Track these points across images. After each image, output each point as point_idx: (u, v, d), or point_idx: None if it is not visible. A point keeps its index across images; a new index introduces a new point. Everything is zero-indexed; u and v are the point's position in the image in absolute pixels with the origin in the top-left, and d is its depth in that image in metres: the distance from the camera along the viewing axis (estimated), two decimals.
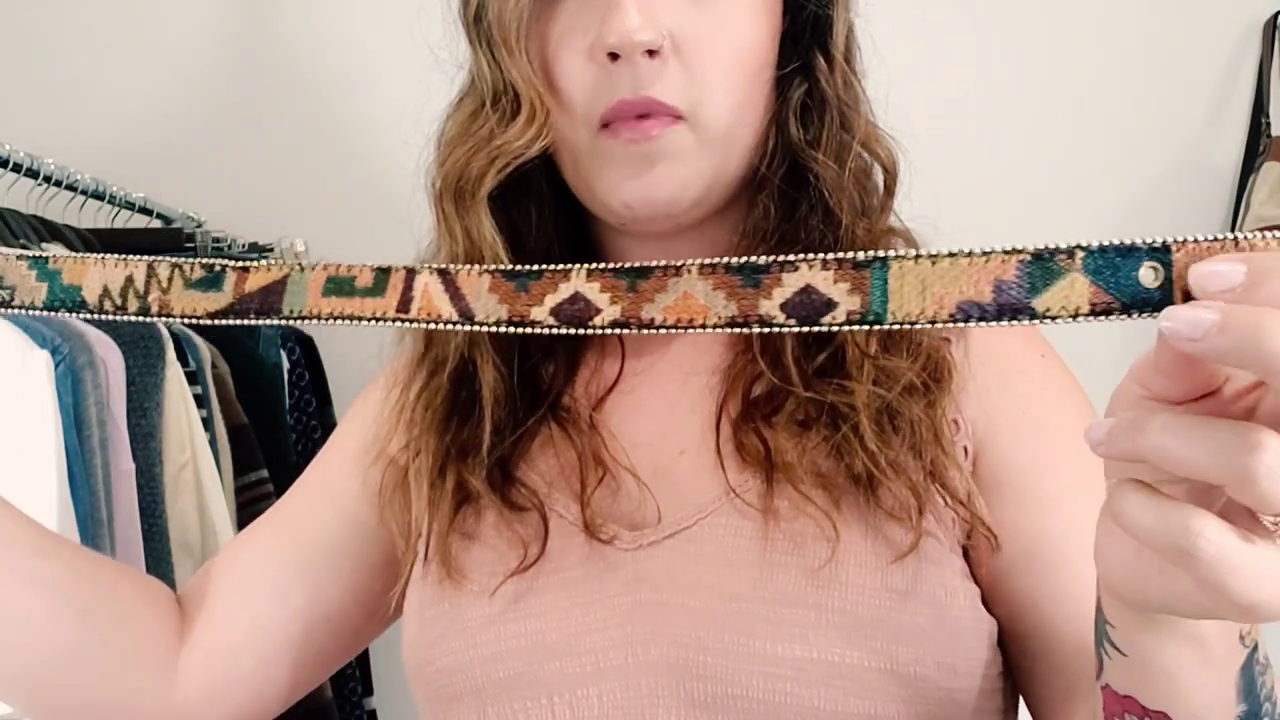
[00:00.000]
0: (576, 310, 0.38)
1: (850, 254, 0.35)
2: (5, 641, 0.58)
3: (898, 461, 0.53)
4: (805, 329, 0.35)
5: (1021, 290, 0.33)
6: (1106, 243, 0.32)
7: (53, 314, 0.46)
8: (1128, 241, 0.32)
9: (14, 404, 0.91)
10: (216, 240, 1.42)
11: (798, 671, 0.50)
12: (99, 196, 1.26)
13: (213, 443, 1.19)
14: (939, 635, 0.52)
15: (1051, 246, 0.32)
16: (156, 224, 1.42)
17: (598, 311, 0.38)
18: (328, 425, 1.42)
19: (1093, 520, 0.35)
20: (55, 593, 0.58)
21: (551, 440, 0.61)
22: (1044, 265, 0.32)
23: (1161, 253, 0.31)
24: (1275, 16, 1.51)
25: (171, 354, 1.06)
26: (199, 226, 1.42)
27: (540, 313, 0.39)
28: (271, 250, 1.50)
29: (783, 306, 0.36)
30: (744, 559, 0.53)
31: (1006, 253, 0.33)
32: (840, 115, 0.60)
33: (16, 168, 1.10)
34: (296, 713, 1.31)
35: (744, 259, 0.36)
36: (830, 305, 0.35)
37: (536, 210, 0.62)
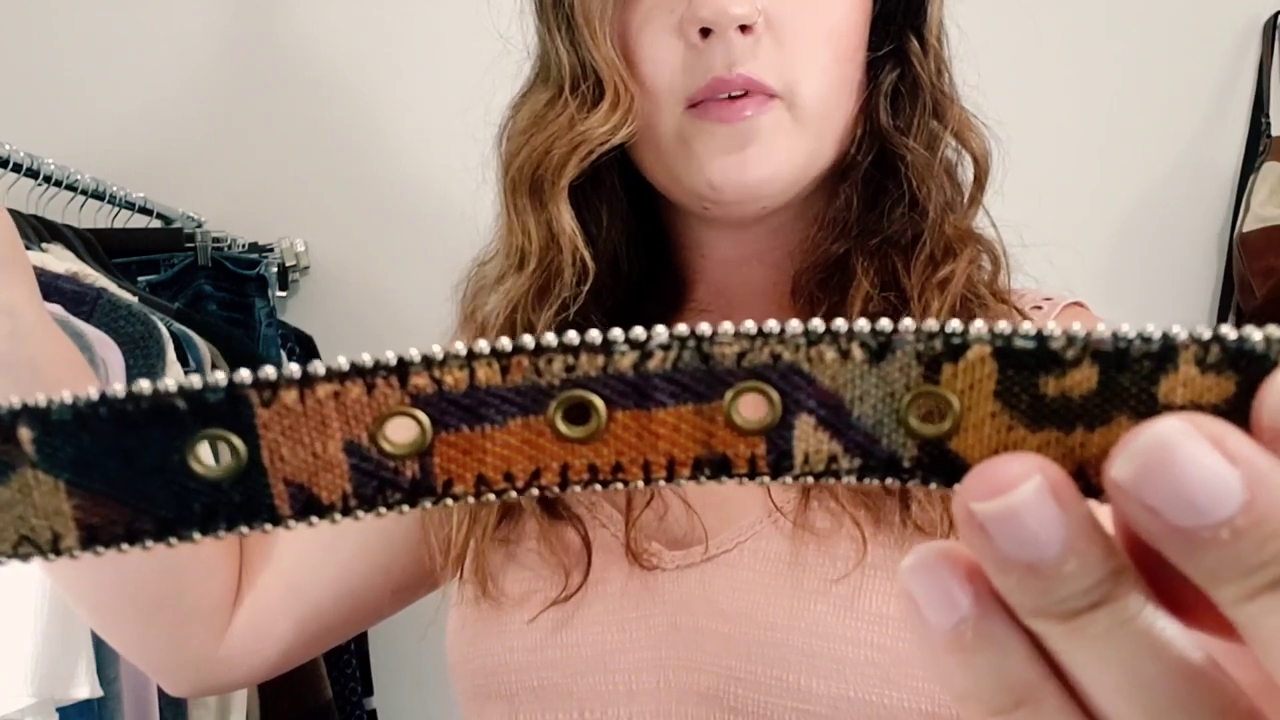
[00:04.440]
0: None
1: None
2: (104, 589, 0.61)
3: None
4: None
5: None
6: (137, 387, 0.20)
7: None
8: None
9: None
10: (216, 240, 1.42)
11: (833, 710, 0.49)
12: (99, 196, 1.26)
13: None
14: None
15: None
16: (156, 224, 1.42)
17: None
18: None
19: None
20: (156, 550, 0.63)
21: None
22: None
23: (246, 432, 0.20)
24: (1275, 16, 1.51)
25: (171, 354, 1.05)
26: (199, 226, 1.41)
27: None
28: (271, 250, 1.50)
29: None
30: (780, 585, 0.52)
31: None
32: (933, 102, 0.58)
33: (16, 168, 1.10)
34: (297, 713, 1.30)
35: None
36: None
37: (608, 209, 0.60)
